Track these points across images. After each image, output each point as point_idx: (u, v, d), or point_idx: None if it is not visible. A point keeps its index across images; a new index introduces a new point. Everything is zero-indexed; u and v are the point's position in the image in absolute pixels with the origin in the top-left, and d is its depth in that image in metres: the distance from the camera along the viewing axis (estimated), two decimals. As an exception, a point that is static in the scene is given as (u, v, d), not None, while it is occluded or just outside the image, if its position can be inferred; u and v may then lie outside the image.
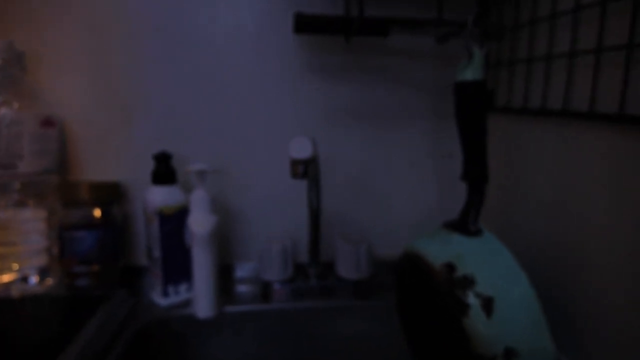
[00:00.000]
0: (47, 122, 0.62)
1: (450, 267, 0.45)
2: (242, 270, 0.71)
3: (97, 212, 0.62)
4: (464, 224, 0.50)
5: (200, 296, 0.59)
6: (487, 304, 0.42)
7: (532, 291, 0.44)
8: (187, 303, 0.63)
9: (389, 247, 0.72)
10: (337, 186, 0.70)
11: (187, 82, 0.66)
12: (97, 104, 0.66)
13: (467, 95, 0.49)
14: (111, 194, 0.64)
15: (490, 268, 0.45)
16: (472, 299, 0.43)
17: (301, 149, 0.48)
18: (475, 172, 0.50)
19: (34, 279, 0.61)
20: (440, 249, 0.48)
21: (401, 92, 0.69)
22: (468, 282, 0.44)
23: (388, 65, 0.69)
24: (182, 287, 0.64)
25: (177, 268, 0.63)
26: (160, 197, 0.61)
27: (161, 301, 0.62)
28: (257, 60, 0.67)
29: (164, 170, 0.62)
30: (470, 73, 0.48)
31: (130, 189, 0.68)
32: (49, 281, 0.62)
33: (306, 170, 0.48)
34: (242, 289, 0.68)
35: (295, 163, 0.48)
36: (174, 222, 0.61)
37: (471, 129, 0.50)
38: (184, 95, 0.66)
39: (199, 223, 0.57)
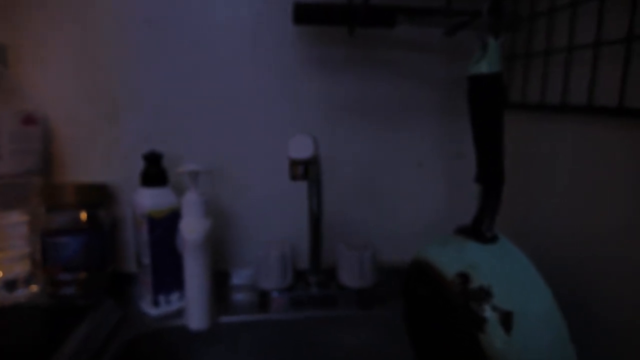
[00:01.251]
0: (29, 120, 0.58)
1: (464, 278, 0.42)
2: (238, 277, 0.68)
3: (83, 216, 0.59)
4: (478, 229, 0.47)
5: (192, 307, 0.55)
6: (506, 319, 0.39)
7: (554, 303, 0.41)
8: (179, 313, 0.59)
9: (394, 253, 0.70)
10: (339, 188, 0.68)
11: (179, 77, 0.63)
12: (83, 101, 0.62)
13: (482, 89, 0.46)
14: (98, 197, 0.61)
15: (508, 278, 0.42)
16: (489, 313, 0.39)
17: (301, 148, 0.44)
18: (490, 174, 0.47)
19: (15, 287, 0.57)
20: (453, 258, 0.45)
21: (408, 87, 0.66)
22: (484, 294, 0.41)
23: (394, 59, 0.66)
24: (174, 296, 0.60)
25: (168, 276, 0.59)
26: (150, 199, 0.57)
27: (151, 311, 0.59)
28: (253, 54, 0.64)
29: (154, 171, 0.59)
30: (486, 65, 0.45)
31: (119, 191, 0.65)
32: (32, 289, 0.59)
33: (306, 171, 0.45)
34: (238, 297, 0.65)
35: (294, 164, 0.45)
36: (164, 226, 0.58)
37: (486, 127, 0.47)
38: (176, 91, 0.63)
39: (191, 228, 0.54)
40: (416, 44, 0.66)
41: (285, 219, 0.68)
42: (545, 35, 0.53)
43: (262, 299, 0.62)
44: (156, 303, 0.59)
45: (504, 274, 0.42)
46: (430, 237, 0.67)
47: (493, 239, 0.45)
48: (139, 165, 0.59)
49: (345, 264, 0.62)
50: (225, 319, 0.59)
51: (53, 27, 0.61)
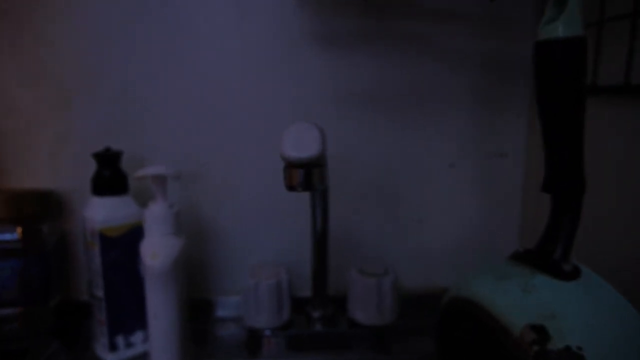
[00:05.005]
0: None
1: (540, 333, 0.30)
2: (224, 308, 0.59)
3: (19, 233, 0.48)
4: (550, 258, 0.35)
5: (157, 353, 0.44)
6: (609, 400, 0.27)
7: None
8: (144, 358, 0.48)
9: (420, 278, 0.61)
10: (350, 196, 0.58)
11: (146, 55, 0.54)
12: (23, 84, 0.53)
13: (557, 60, 0.34)
14: (40, 208, 0.51)
15: (607, 335, 0.31)
16: (583, 391, 0.27)
17: (301, 144, 0.31)
18: (566, 179, 0.35)
19: None
20: (518, 300, 0.33)
21: (436, 69, 0.57)
22: (574, 359, 0.28)
23: (418, 33, 0.56)
24: (137, 337, 0.50)
25: (129, 311, 0.48)
26: (103, 212, 0.47)
27: (107, 357, 0.48)
28: (241, 26, 0.54)
29: (109, 175, 0.48)
30: (563, 27, 0.34)
31: (70, 201, 0.55)
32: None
33: (309, 177, 0.32)
34: (223, 333, 0.55)
35: (291, 166, 0.32)
36: (122, 247, 0.47)
37: (561, 113, 0.35)
38: (142, 73, 0.54)
39: (154, 251, 0.42)
40: (447, 13, 0.56)
41: (281, 235, 0.59)
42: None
43: (252, 340, 0.51)
44: (113, 346, 0.48)
45: (600, 327, 0.31)
46: (465, 258, 0.60)
47: (574, 274, 0.34)
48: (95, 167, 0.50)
49: (359, 293, 0.51)
50: (202, 366, 0.48)
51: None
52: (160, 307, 0.43)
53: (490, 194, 0.60)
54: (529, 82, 0.56)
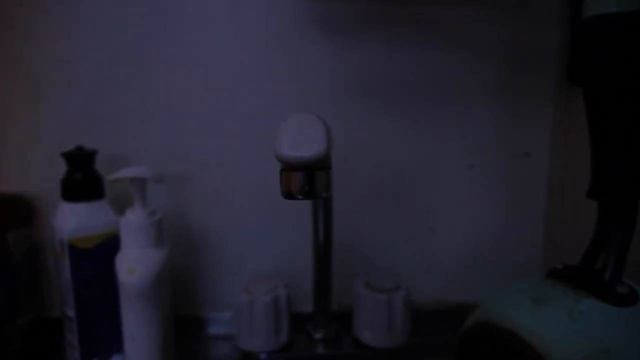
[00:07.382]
0: None
1: None
2: (216, 325, 0.55)
3: None
4: (599, 277, 0.30)
5: (135, 384, 0.38)
6: None
7: None
8: (123, 385, 0.43)
9: (432, 292, 0.56)
10: (356, 201, 0.54)
11: (127, 43, 0.50)
12: None
13: (609, 40, 0.29)
14: (6, 214, 0.47)
15: None
16: None
17: (303, 141, 0.26)
18: (618, 182, 0.30)
19: None
20: (564, 331, 0.29)
21: (452, 58, 0.53)
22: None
23: (435, 17, 0.52)
24: None
25: (104, 332, 0.44)
26: (73, 220, 0.42)
27: (81, 384, 0.43)
28: (232, 9, 0.50)
29: (81, 178, 0.43)
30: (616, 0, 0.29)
31: (41, 206, 0.50)
32: None
33: (311, 182, 0.26)
34: (216, 354, 0.51)
35: (289, 169, 0.26)
36: (96, 260, 0.42)
37: (613, 104, 0.30)
38: (122, 63, 0.50)
39: (130, 265, 0.37)
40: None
41: (280, 242, 0.55)
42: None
43: (245, 364, 0.45)
44: (87, 372, 0.43)
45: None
46: (483, 270, 0.55)
47: (631, 298, 0.28)
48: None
49: (366, 311, 0.46)
50: (189, 395, 0.43)
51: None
52: (139, 329, 0.38)
53: (512, 197, 0.55)
54: (555, 73, 0.52)
